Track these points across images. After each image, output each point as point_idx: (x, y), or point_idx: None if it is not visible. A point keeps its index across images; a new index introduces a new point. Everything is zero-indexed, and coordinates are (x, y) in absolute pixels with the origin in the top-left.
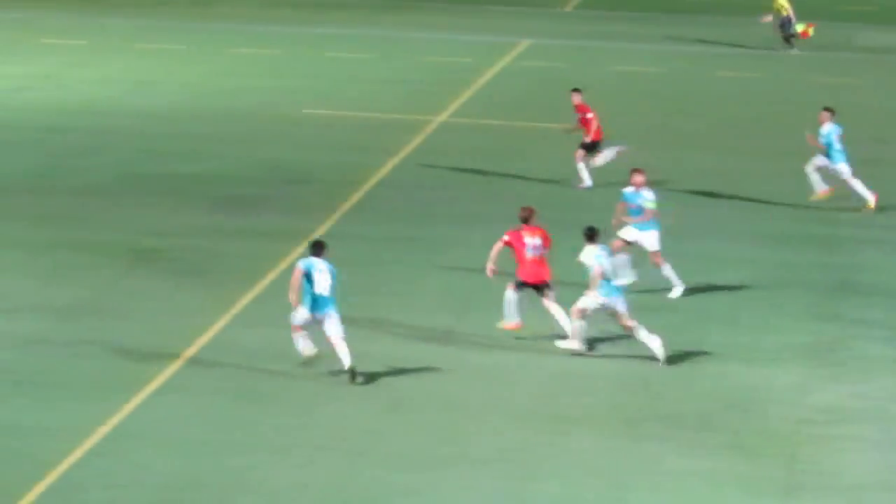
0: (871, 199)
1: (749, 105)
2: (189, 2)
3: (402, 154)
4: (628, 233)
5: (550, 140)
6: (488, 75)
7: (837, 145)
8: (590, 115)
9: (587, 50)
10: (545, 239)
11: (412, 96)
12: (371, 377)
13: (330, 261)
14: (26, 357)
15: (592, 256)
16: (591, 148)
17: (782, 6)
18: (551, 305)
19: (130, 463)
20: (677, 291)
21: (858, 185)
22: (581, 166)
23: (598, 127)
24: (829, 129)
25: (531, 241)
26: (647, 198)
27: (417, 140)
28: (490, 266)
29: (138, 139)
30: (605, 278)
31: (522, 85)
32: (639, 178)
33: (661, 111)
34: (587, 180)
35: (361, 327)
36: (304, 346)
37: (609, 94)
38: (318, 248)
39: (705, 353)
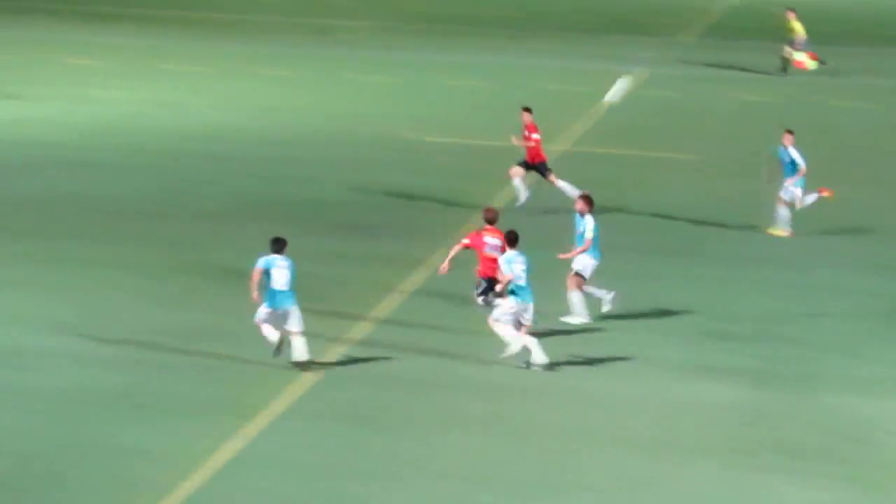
0: (785, 231)
1: (865, 135)
2: (309, 28)
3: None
4: (578, 262)
5: (669, 168)
6: (607, 104)
7: (796, 168)
8: (535, 136)
9: (706, 79)
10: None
11: None
12: (492, 405)
13: (289, 256)
14: (148, 381)
15: (504, 261)
16: (529, 168)
17: (794, 30)
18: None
19: (250, 488)
20: (577, 319)
21: (785, 213)
22: (517, 182)
23: (538, 151)
24: (793, 152)
25: (491, 240)
26: (588, 226)
27: None
28: (445, 265)
29: (257, 164)
30: (518, 283)
31: (641, 114)
32: (579, 204)
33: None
34: (523, 196)
35: (481, 354)
36: (269, 332)
37: (727, 123)
38: (279, 245)
39: (823, 384)
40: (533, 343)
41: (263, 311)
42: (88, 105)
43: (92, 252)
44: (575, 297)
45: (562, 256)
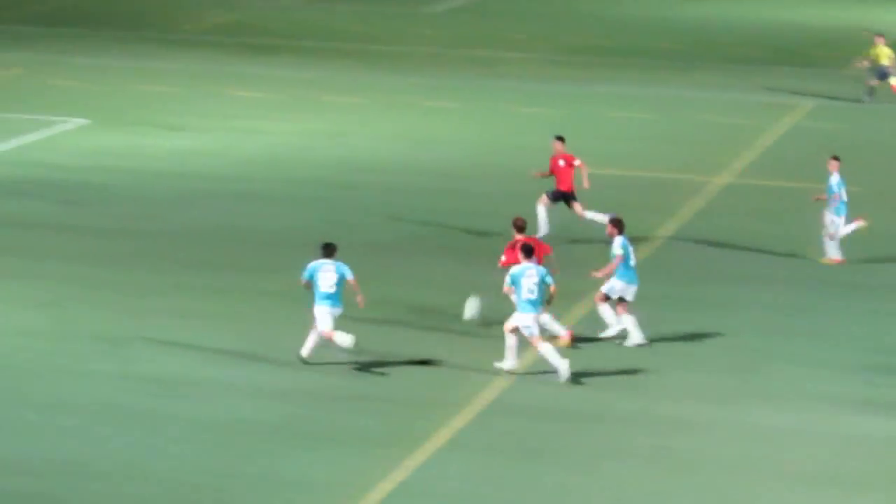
0: (861, 223)
1: None
2: (474, 60)
3: (685, 214)
4: (606, 285)
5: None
6: (772, 136)
7: (844, 197)
8: (577, 162)
9: (872, 112)
10: (538, 247)
11: (694, 156)
12: (657, 438)
13: (338, 260)
14: (311, 412)
15: (513, 274)
16: (558, 197)
17: (882, 55)
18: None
19: None
20: (634, 340)
21: (850, 228)
22: (590, 214)
23: (570, 179)
24: (838, 180)
25: None
26: (615, 245)
27: (700, 200)
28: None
29: (421, 197)
30: (529, 297)
31: (807, 146)
32: (608, 227)
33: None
34: (544, 227)
35: (646, 387)
36: (309, 349)
37: (893, 157)
38: (328, 250)
39: None
40: (549, 351)
41: (326, 315)
42: (252, 137)
43: (256, 283)
44: (603, 310)
45: (595, 274)
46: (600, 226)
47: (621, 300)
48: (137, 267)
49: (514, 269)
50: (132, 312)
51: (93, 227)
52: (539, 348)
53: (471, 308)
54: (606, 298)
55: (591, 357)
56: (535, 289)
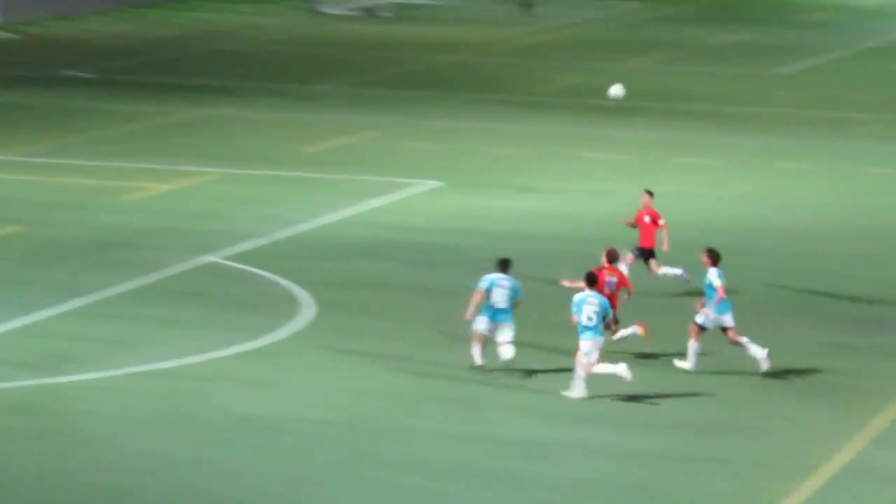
0: None
1: None
2: (823, 121)
3: None
4: (700, 316)
5: None
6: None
7: None
8: (662, 221)
9: None
10: (621, 280)
11: None
12: None
13: (513, 277)
14: (665, 474)
15: (574, 303)
16: (646, 255)
17: None
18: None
19: None
20: (763, 364)
21: None
22: (663, 271)
23: (653, 236)
24: None
25: (610, 279)
26: (710, 277)
27: None
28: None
29: (776, 258)
30: (587, 324)
31: None
32: (703, 257)
33: None
34: (675, 271)
35: None
36: (475, 355)
37: None
38: (503, 266)
39: None
40: (580, 377)
41: (483, 322)
42: (602, 198)
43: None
44: (690, 345)
45: (700, 310)
46: (674, 279)
47: (699, 325)
48: None
49: (579, 297)
50: (486, 373)
51: (446, 289)
52: (596, 370)
53: (616, 90)
54: (701, 330)
55: None
56: (595, 316)
